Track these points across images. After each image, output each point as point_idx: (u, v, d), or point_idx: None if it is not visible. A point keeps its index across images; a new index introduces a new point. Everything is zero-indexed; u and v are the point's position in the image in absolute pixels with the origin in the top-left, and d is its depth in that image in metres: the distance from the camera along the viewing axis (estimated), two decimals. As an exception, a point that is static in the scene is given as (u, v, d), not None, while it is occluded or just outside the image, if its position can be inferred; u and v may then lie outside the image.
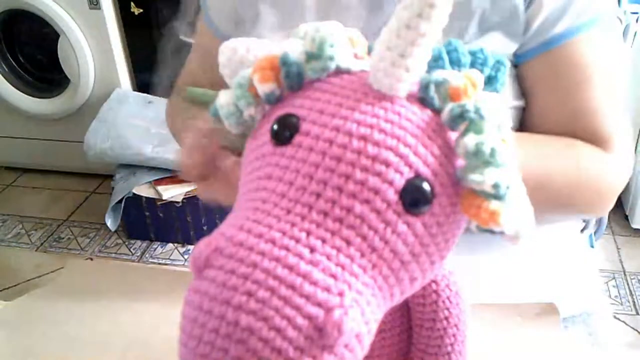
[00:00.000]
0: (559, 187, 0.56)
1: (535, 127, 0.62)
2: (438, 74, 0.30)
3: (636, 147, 1.86)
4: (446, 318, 0.38)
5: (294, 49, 0.31)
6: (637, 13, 1.58)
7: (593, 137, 0.59)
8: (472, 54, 0.33)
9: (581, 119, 0.60)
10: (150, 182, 1.83)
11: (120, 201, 1.82)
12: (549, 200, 0.56)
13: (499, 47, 0.60)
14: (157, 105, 1.98)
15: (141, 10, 1.97)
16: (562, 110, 0.60)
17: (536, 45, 0.59)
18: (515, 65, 0.62)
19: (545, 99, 0.61)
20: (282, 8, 0.65)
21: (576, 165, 0.58)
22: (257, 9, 0.66)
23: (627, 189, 1.92)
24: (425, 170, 0.28)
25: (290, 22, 0.65)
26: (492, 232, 0.28)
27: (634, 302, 1.63)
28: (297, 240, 0.27)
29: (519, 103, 0.63)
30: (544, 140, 0.59)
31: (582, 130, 0.59)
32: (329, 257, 0.27)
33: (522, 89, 0.63)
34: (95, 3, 1.90)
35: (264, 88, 0.31)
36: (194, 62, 0.78)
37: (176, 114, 0.73)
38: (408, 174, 0.28)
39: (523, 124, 0.64)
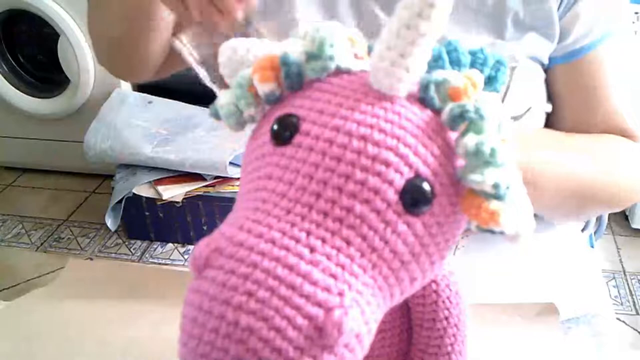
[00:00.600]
0: (594, 180, 0.58)
1: (565, 130, 0.64)
2: (438, 74, 0.30)
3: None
4: (446, 318, 0.38)
5: (294, 49, 0.31)
6: (637, 13, 1.58)
7: (623, 135, 0.64)
8: (472, 54, 0.33)
9: (611, 119, 0.64)
10: (150, 182, 1.83)
11: (120, 201, 1.82)
12: (583, 196, 0.58)
13: (538, 48, 0.63)
14: (157, 105, 1.98)
15: (141, 10, 1.97)
16: (593, 112, 0.65)
17: (570, 51, 0.63)
18: (546, 70, 0.66)
19: (575, 103, 0.66)
20: None
21: (610, 157, 0.61)
22: None
23: (627, 189, 1.92)
24: (425, 170, 0.28)
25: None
26: (492, 232, 0.28)
27: (634, 302, 1.63)
28: (297, 240, 0.27)
29: (548, 108, 0.66)
30: (576, 137, 0.63)
31: (613, 129, 0.64)
32: (329, 257, 0.27)
33: (550, 93, 0.67)
34: (95, 3, 1.90)
35: (264, 88, 0.31)
36: None
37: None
38: (408, 174, 0.28)
39: (550, 127, 0.67)
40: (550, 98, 0.67)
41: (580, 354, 0.59)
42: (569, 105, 0.66)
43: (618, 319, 1.56)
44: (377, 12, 0.63)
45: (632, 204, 0.65)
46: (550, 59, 0.64)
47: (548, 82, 0.66)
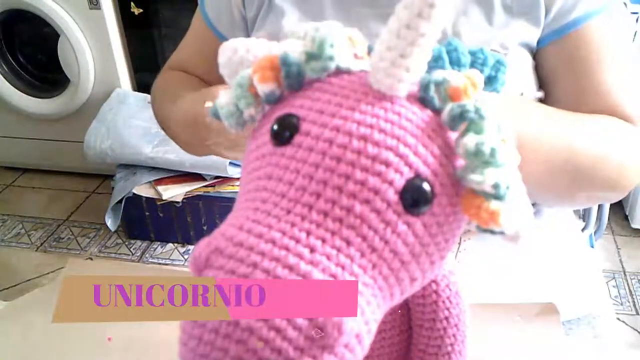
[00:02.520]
0: (585, 155, 0.54)
1: None
2: (438, 74, 0.30)
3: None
4: (446, 318, 0.38)
5: (294, 49, 0.31)
6: (637, 13, 1.58)
7: (617, 115, 0.60)
8: (472, 54, 0.33)
9: (604, 98, 0.61)
10: (150, 182, 1.83)
11: (120, 201, 1.82)
12: (574, 171, 0.54)
13: (526, 35, 0.62)
14: (157, 105, 1.98)
15: (141, 10, 1.97)
16: (583, 92, 0.62)
17: (554, 30, 0.61)
18: (534, 56, 0.64)
19: (566, 83, 0.63)
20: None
21: (603, 134, 0.57)
22: (277, 6, 0.67)
23: (627, 189, 1.92)
24: (425, 170, 0.28)
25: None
26: (492, 232, 0.28)
27: (634, 302, 1.63)
28: (297, 241, 0.27)
29: (540, 94, 0.64)
30: (568, 112, 0.59)
31: (606, 109, 0.60)
32: (329, 257, 0.27)
33: (540, 79, 0.64)
34: (95, 3, 1.90)
35: (264, 88, 0.31)
36: (187, 50, 0.78)
37: (163, 94, 0.72)
38: (408, 174, 0.28)
39: None
40: (541, 86, 0.65)
41: (581, 354, 0.59)
42: (560, 86, 0.63)
43: (618, 319, 1.56)
44: (369, 22, 0.62)
45: (630, 185, 0.59)
46: (539, 41, 0.63)
47: (538, 68, 0.64)
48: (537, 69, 0.64)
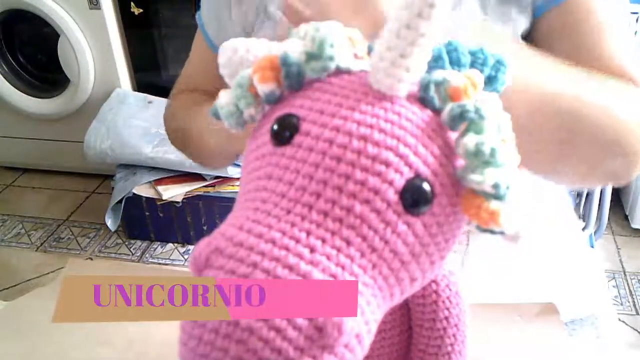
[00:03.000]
0: (579, 102, 0.49)
1: None
2: (438, 74, 0.30)
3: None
4: (446, 318, 0.38)
5: (294, 49, 0.31)
6: (637, 13, 1.58)
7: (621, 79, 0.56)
8: (472, 54, 0.33)
9: (603, 62, 0.57)
10: (150, 182, 1.83)
11: (120, 201, 1.82)
12: (566, 116, 0.49)
13: (519, 26, 0.60)
14: (157, 105, 1.98)
15: (141, 10, 1.97)
16: (585, 57, 0.57)
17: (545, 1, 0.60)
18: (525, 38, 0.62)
19: (566, 49, 0.59)
20: None
21: (601, 86, 0.53)
22: (272, 15, 0.66)
23: (627, 188, 1.92)
24: (425, 170, 0.28)
25: None
26: (492, 232, 0.28)
27: (634, 302, 1.63)
28: (297, 241, 0.27)
29: None
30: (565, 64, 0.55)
31: (609, 72, 0.56)
32: (329, 257, 0.27)
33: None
34: (95, 3, 1.90)
35: (264, 88, 0.31)
36: (192, 66, 0.78)
37: (176, 115, 0.73)
38: (408, 174, 0.28)
39: None
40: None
41: (581, 354, 0.59)
42: (559, 54, 0.56)
43: (618, 319, 1.56)
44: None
45: (635, 146, 0.50)
46: (536, 8, 0.61)
47: (536, 40, 0.62)
48: (536, 44, 0.61)
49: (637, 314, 1.60)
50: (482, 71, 0.33)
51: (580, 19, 0.59)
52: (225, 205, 1.76)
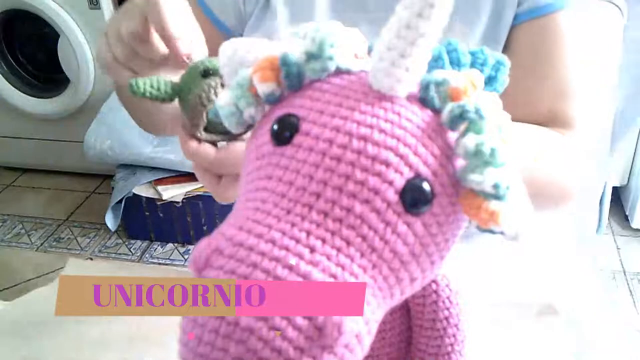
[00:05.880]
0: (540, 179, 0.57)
1: (508, 103, 0.63)
2: (438, 74, 0.30)
3: (636, 148, 1.86)
4: (446, 318, 0.38)
5: (294, 49, 0.31)
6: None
7: (557, 118, 0.63)
8: (472, 54, 0.33)
9: (556, 97, 0.63)
10: (150, 182, 1.83)
11: (120, 201, 1.82)
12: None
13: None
14: (157, 105, 1.98)
15: (141, 10, 1.97)
16: (541, 81, 0.63)
17: (531, 8, 0.63)
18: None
19: (527, 65, 0.63)
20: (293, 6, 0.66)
21: (550, 158, 0.60)
22: (272, 6, 0.67)
23: (627, 188, 1.92)
24: (425, 170, 0.28)
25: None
26: (492, 232, 0.28)
27: (634, 302, 1.63)
28: (297, 241, 0.27)
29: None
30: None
31: (554, 109, 0.63)
32: (329, 257, 0.27)
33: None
34: (95, 3, 1.90)
35: (264, 88, 0.31)
36: None
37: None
38: (408, 174, 0.28)
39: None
40: None
41: (580, 354, 0.59)
42: (519, 68, 0.63)
43: (618, 319, 1.56)
44: (361, 26, 0.63)
45: (568, 203, 0.64)
46: (514, 17, 0.63)
47: (507, 49, 0.65)
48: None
49: (637, 313, 1.60)
50: (482, 71, 0.33)
51: (541, 45, 0.63)
52: (225, 205, 1.76)
